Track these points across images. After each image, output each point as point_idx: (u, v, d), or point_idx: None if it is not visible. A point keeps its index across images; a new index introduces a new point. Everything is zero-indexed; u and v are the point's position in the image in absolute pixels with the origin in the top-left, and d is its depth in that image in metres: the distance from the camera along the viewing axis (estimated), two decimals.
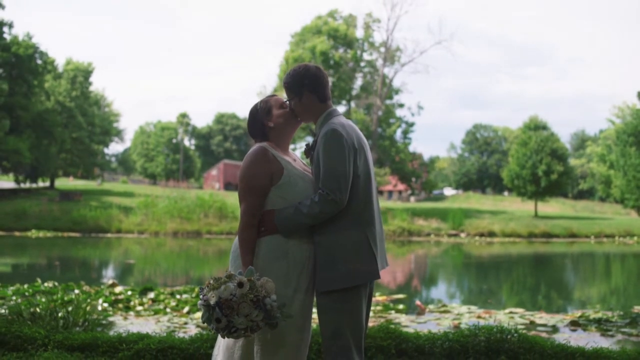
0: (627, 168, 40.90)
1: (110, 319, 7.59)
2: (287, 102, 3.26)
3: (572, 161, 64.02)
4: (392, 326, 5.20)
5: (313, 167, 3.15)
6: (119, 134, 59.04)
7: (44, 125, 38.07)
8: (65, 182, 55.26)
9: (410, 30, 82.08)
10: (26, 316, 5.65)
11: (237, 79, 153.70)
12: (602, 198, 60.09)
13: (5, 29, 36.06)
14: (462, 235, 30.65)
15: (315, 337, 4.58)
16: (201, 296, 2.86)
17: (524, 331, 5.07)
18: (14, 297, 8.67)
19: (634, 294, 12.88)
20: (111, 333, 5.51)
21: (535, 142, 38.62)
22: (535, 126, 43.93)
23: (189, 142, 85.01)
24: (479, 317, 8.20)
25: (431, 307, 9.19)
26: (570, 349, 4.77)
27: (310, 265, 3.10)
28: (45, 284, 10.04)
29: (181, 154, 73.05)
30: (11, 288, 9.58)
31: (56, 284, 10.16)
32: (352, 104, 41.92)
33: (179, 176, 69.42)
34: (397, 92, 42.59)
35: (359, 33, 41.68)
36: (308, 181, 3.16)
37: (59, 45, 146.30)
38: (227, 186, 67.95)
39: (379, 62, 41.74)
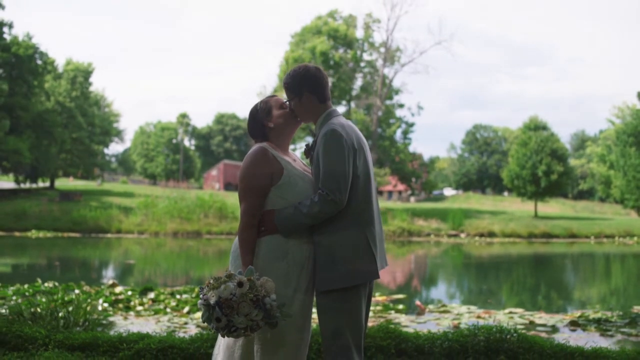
0: (627, 168, 40.91)
1: (111, 319, 7.60)
2: (287, 102, 3.28)
3: (572, 161, 64.03)
4: (392, 326, 5.21)
5: (313, 167, 3.16)
6: (119, 134, 59.05)
7: (44, 126, 38.09)
8: (65, 183, 55.27)
9: (410, 31, 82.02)
10: (27, 316, 5.66)
11: (237, 79, 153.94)
12: (602, 198, 60.10)
13: (5, 29, 36.07)
14: (462, 235, 30.66)
15: (315, 336, 4.59)
16: (201, 296, 2.87)
17: (524, 331, 5.08)
18: (14, 297, 8.68)
19: (634, 294, 12.89)
20: (111, 333, 5.52)
21: (535, 143, 38.62)
22: (535, 126, 43.88)
23: (189, 143, 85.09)
24: (478, 317, 8.21)
25: (431, 307, 9.20)
26: (570, 349, 4.78)
27: (310, 265, 3.11)
28: (46, 284, 10.04)
29: (181, 154, 73.06)
30: (11, 288, 9.59)
31: (56, 284, 10.16)
32: (352, 104, 41.94)
33: (179, 176, 69.44)
34: (397, 92, 42.62)
35: (359, 33, 41.73)
36: (308, 181, 3.17)
37: (59, 46, 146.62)
38: (227, 186, 67.98)
39: (379, 63, 41.79)
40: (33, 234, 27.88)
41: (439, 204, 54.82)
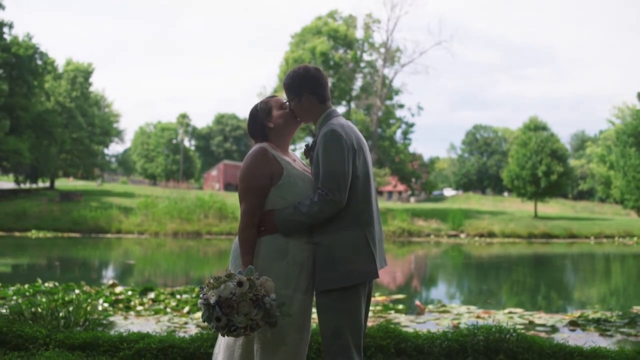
0: (627, 169, 40.92)
1: (111, 318, 7.61)
2: (287, 103, 3.29)
3: (572, 162, 64.02)
4: (392, 326, 5.22)
5: (312, 167, 3.17)
6: (119, 134, 59.03)
7: (44, 126, 38.10)
8: (65, 183, 55.28)
9: (410, 31, 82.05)
10: (27, 316, 5.67)
11: (236, 80, 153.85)
12: (602, 199, 60.08)
13: (5, 29, 36.09)
14: (462, 235, 30.67)
15: (315, 336, 4.60)
16: (201, 295, 2.89)
17: (523, 331, 5.09)
18: (14, 297, 8.68)
19: (633, 294, 12.90)
20: (112, 332, 5.53)
21: (535, 143, 38.62)
22: (535, 127, 43.84)
23: (189, 143, 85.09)
24: (478, 317, 8.22)
25: (431, 307, 9.21)
26: (569, 349, 4.79)
27: (310, 265, 3.12)
28: (46, 284, 10.05)
29: (181, 155, 73.07)
30: (12, 288, 9.60)
31: (57, 284, 10.17)
32: (352, 104, 41.94)
33: (179, 177, 69.41)
34: (397, 92, 42.62)
35: (359, 34, 41.73)
36: (308, 181, 3.18)
37: (59, 46, 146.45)
38: (227, 187, 67.97)
39: (379, 63, 41.79)
40: (33, 234, 27.89)
41: (439, 204, 54.81)
